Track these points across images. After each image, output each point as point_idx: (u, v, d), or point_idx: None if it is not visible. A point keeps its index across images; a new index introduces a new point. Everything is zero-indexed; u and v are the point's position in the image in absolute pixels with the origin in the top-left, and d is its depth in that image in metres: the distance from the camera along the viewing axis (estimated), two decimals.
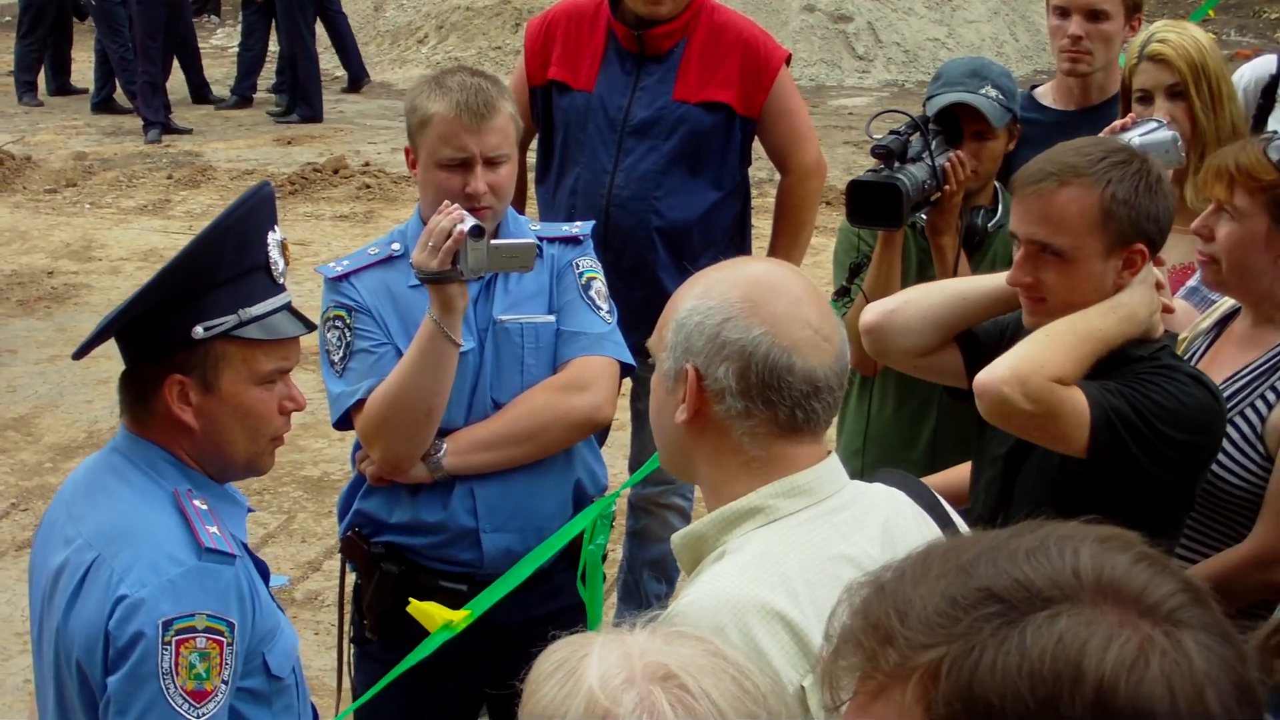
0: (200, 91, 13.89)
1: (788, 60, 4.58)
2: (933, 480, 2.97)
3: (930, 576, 1.23)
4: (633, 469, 4.82)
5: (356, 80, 14.29)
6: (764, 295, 2.11)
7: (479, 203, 3.31)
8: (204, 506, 2.51)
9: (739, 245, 4.64)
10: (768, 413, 2.10)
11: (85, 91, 13.94)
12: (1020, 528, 1.27)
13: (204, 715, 2.38)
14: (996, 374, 2.71)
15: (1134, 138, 3.44)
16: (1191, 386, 2.77)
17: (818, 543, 2.09)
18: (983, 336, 3.05)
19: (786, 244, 4.69)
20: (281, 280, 2.62)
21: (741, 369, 2.08)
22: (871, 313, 3.18)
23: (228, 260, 2.53)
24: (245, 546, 2.62)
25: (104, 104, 13.48)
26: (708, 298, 2.13)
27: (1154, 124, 3.51)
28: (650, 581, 4.96)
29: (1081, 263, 2.81)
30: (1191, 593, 1.21)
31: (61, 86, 14.24)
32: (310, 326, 2.69)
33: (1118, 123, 3.56)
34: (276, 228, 2.64)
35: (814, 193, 4.74)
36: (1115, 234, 2.78)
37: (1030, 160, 2.92)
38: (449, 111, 3.33)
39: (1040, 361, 2.71)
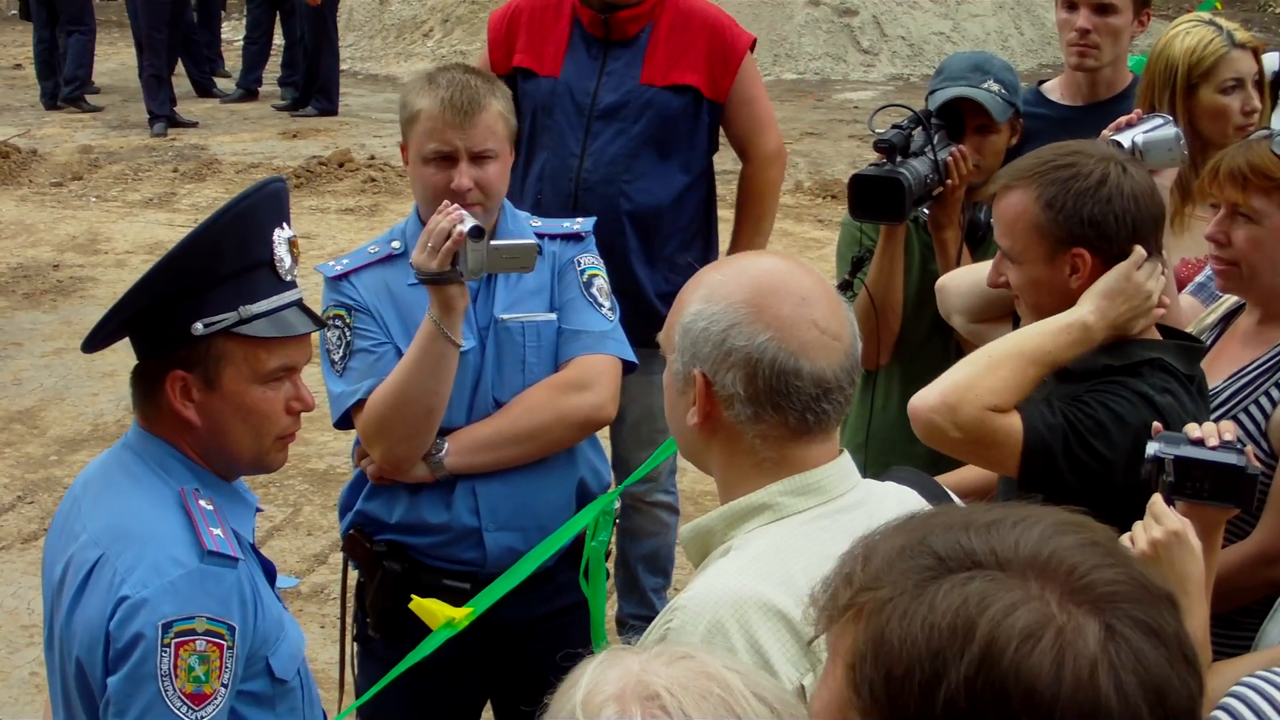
0: (204, 85, 13.89)
1: (752, 46, 4.58)
2: (948, 478, 2.97)
3: (902, 531, 1.32)
4: (615, 467, 4.82)
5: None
6: (768, 298, 2.08)
7: (465, 199, 3.31)
8: (209, 507, 2.49)
9: (705, 232, 4.67)
10: (777, 417, 2.08)
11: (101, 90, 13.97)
12: (999, 505, 1.34)
13: (202, 718, 2.38)
14: (928, 400, 2.71)
15: (1137, 135, 3.43)
16: (1141, 409, 2.72)
17: (825, 541, 2.05)
18: None
19: (749, 232, 4.73)
20: (289, 278, 2.59)
21: (748, 376, 2.06)
22: (944, 276, 3.49)
23: (227, 256, 2.50)
24: (253, 547, 2.61)
25: (52, 103, 13.36)
26: (712, 302, 2.10)
27: (1159, 121, 3.50)
28: (646, 575, 4.97)
29: (1028, 265, 2.85)
30: (1139, 588, 1.24)
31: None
32: (320, 324, 2.67)
33: (1123, 119, 3.55)
34: (286, 224, 2.60)
35: (775, 180, 4.77)
36: (1052, 238, 2.80)
37: None
38: (435, 107, 3.33)
39: (975, 389, 2.69)
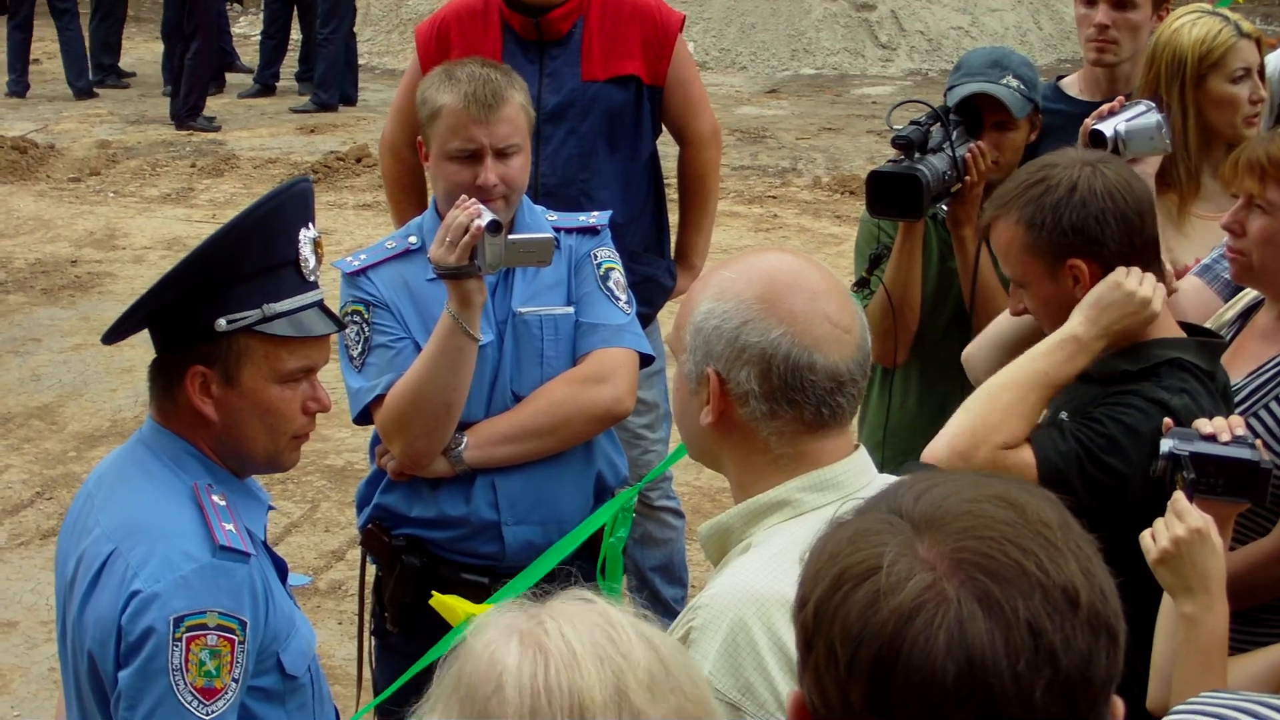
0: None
1: (682, 24, 4.54)
2: None
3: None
4: None
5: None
6: (780, 293, 2.09)
7: (491, 194, 3.30)
8: (222, 502, 2.50)
9: (658, 216, 4.63)
10: (793, 412, 2.09)
11: (133, 74, 14.00)
12: (984, 475, 1.43)
13: (213, 713, 2.38)
14: (938, 453, 2.72)
15: (1119, 123, 3.43)
16: (1154, 416, 2.70)
17: None
18: None
19: (696, 216, 4.73)
20: (313, 278, 2.60)
21: (763, 372, 2.07)
22: (965, 350, 3.43)
23: (254, 254, 2.52)
24: (265, 544, 2.61)
25: (87, 91, 13.45)
26: (723, 299, 2.11)
27: (1141, 108, 3.48)
28: (664, 587, 4.93)
29: (1034, 287, 2.86)
30: (1017, 569, 1.29)
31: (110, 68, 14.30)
32: (340, 325, 2.68)
33: (1105, 106, 3.54)
34: (312, 224, 2.62)
35: (714, 160, 4.74)
36: (1046, 256, 2.81)
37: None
38: (457, 103, 3.32)
39: (983, 433, 2.70)
